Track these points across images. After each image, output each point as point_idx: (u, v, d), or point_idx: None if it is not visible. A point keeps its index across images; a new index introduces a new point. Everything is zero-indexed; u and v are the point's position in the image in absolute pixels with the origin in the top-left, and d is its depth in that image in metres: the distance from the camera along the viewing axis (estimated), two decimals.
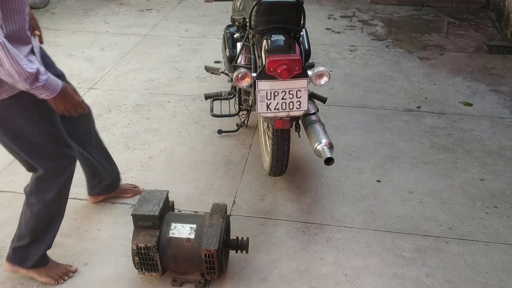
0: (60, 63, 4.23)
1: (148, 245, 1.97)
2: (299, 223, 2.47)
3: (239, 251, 2.15)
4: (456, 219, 2.50)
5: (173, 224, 2.05)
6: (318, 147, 2.26)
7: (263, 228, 2.42)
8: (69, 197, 2.56)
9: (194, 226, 2.05)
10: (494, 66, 4.19)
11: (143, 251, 1.98)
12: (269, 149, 2.55)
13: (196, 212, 2.48)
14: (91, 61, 4.25)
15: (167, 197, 2.11)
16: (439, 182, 2.76)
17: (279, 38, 2.29)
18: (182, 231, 2.03)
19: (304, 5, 2.35)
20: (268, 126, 2.47)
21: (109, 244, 2.32)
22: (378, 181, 2.77)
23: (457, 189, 2.71)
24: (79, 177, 2.76)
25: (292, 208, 2.56)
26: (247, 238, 2.16)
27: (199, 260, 2.00)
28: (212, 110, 2.90)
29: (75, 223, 2.44)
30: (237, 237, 2.15)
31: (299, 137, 2.61)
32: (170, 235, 2.02)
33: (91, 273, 2.17)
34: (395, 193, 2.68)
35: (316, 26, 4.94)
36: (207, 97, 2.97)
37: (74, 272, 2.16)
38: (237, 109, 2.89)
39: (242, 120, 3.07)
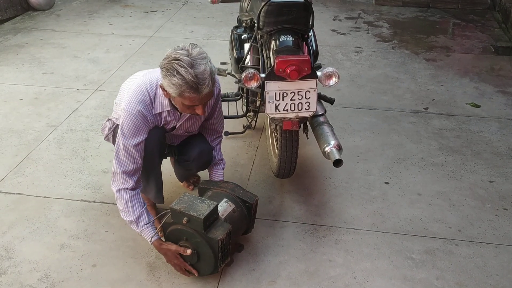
0: (66, 65, 4.28)
1: (227, 232, 2.01)
2: (308, 225, 2.45)
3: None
4: (465, 221, 2.48)
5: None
6: (326, 149, 2.24)
7: (271, 230, 2.41)
8: (76, 199, 2.59)
9: (225, 199, 2.18)
10: (501, 67, 4.17)
11: (224, 243, 2.01)
12: (277, 150, 2.54)
13: None
14: (96, 63, 4.25)
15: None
16: (448, 184, 2.74)
17: (288, 39, 2.27)
18: (224, 208, 2.14)
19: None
20: (276, 127, 2.46)
21: (116, 245, 2.31)
22: (387, 183, 2.76)
23: (466, 191, 2.69)
24: (86, 179, 2.76)
25: (300, 210, 2.54)
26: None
27: (247, 219, 2.21)
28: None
29: (82, 225, 2.43)
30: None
31: (307, 138, 2.60)
32: (221, 216, 2.10)
33: (99, 275, 2.16)
34: (403, 195, 2.66)
35: (322, 28, 4.93)
36: None
37: None
38: (244, 111, 2.88)
39: (250, 121, 3.05)
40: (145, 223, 2.10)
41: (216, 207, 2.02)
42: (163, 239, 2.12)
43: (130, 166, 2.10)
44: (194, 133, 2.39)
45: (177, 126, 2.24)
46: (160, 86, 2.00)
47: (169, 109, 2.13)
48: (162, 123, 2.18)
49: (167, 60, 1.90)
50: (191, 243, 2.02)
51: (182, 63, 1.85)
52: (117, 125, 2.25)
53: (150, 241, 2.09)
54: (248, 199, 2.19)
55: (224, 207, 2.15)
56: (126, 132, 2.07)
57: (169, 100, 2.09)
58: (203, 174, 2.63)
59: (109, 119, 2.40)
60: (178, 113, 2.18)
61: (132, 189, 2.11)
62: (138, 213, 2.09)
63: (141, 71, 2.30)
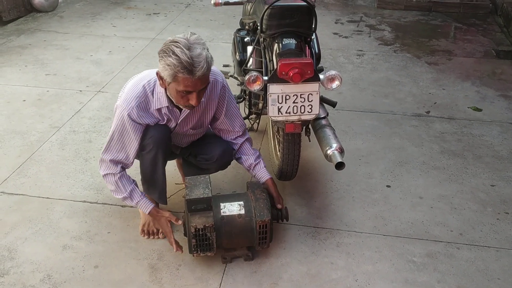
0: (68, 66, 4.30)
1: (207, 225, 2.07)
2: (309, 227, 2.45)
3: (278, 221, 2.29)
4: (466, 224, 2.49)
5: (221, 204, 2.17)
6: (329, 152, 2.25)
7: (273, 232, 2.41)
8: (79, 200, 2.60)
9: (242, 202, 2.18)
10: (502, 71, 4.18)
11: (200, 233, 2.08)
12: (279, 153, 2.54)
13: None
14: (99, 64, 4.26)
15: (211, 181, 2.20)
16: (450, 188, 2.75)
17: (291, 42, 2.28)
18: (232, 209, 2.16)
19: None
20: (278, 129, 2.47)
21: (119, 247, 2.32)
22: (388, 186, 2.76)
23: (468, 195, 2.70)
24: (89, 180, 2.77)
25: (302, 213, 2.55)
26: (286, 207, 2.28)
27: (252, 232, 2.15)
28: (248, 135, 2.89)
29: (85, 225, 2.44)
30: (276, 208, 2.26)
31: (309, 141, 2.60)
32: (222, 214, 2.14)
33: (101, 276, 2.16)
34: (405, 198, 2.66)
35: (324, 31, 4.94)
36: None
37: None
38: (247, 113, 2.89)
39: (252, 123, 3.06)
40: (139, 196, 2.24)
41: (208, 198, 2.09)
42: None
43: (119, 156, 2.19)
44: (201, 133, 2.39)
45: (178, 124, 2.24)
46: (157, 74, 2.01)
47: (167, 104, 2.13)
48: (165, 120, 2.19)
49: (164, 44, 1.95)
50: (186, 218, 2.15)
51: (179, 44, 1.89)
52: None
53: (148, 211, 2.24)
54: (258, 216, 2.13)
55: (234, 207, 2.16)
56: (118, 127, 2.14)
57: (167, 95, 2.10)
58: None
59: None
60: (177, 110, 2.18)
61: (119, 172, 2.22)
62: (129, 189, 2.23)
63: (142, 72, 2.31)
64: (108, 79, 3.98)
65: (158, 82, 2.08)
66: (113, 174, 2.21)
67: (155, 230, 2.37)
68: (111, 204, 2.58)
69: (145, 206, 2.25)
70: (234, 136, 2.39)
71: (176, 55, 1.87)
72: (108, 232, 2.40)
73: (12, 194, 2.66)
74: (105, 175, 2.22)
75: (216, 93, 2.23)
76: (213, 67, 2.11)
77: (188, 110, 2.17)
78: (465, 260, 2.27)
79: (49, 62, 4.30)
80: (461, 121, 3.42)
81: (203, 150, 2.41)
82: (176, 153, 2.48)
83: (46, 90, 3.80)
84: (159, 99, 2.13)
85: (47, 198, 2.63)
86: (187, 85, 1.94)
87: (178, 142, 2.40)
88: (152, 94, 2.12)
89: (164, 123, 2.21)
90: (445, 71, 4.19)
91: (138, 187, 2.28)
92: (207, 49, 1.95)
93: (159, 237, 2.36)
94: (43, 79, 3.98)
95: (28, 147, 3.07)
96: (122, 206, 2.56)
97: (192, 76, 1.90)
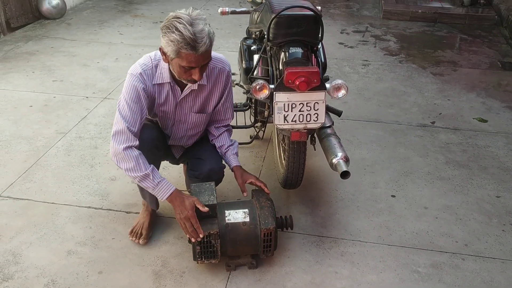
0: (75, 73, 4.33)
1: (211, 232, 2.06)
2: (313, 236, 2.45)
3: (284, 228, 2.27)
4: (472, 235, 2.48)
5: (226, 212, 2.16)
6: (334, 161, 2.25)
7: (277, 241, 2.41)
8: (84, 206, 2.61)
9: (247, 210, 2.18)
10: (508, 82, 4.18)
11: (205, 240, 2.07)
12: (284, 161, 2.55)
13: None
14: (106, 71, 4.29)
15: (216, 188, 2.21)
16: (455, 198, 2.74)
17: (297, 51, 2.30)
18: (236, 216, 2.15)
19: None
20: (284, 138, 2.47)
21: (123, 253, 2.32)
22: (393, 196, 2.76)
23: (473, 206, 2.69)
24: (94, 186, 2.78)
25: (306, 222, 2.55)
26: (290, 215, 2.27)
27: (256, 240, 2.14)
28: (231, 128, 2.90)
29: (89, 231, 2.44)
30: (281, 216, 2.25)
31: (315, 149, 2.61)
32: (226, 221, 2.13)
33: (105, 282, 2.16)
34: (410, 208, 2.66)
35: (329, 41, 4.97)
36: None
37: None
38: (252, 121, 2.90)
39: (257, 131, 3.07)
40: (160, 176, 2.10)
41: (213, 205, 2.09)
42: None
43: (134, 124, 2.09)
44: (201, 125, 2.36)
45: (178, 103, 2.22)
46: (160, 49, 2.02)
47: (169, 81, 2.14)
48: (162, 100, 2.19)
49: (167, 19, 1.95)
50: None
51: (181, 20, 1.90)
52: None
53: (170, 191, 2.08)
54: (262, 224, 2.12)
55: (238, 215, 2.16)
56: (126, 94, 2.11)
57: (170, 71, 2.12)
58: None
59: None
60: (179, 88, 2.19)
61: (138, 148, 2.09)
62: (150, 168, 2.07)
63: None
64: (114, 86, 4.01)
65: (163, 60, 2.09)
66: (134, 147, 2.06)
67: (143, 233, 2.36)
68: (116, 210, 2.58)
69: (166, 188, 2.08)
70: (221, 124, 2.41)
71: (179, 31, 1.88)
72: (112, 238, 2.41)
73: (17, 199, 2.67)
74: (125, 148, 2.04)
75: (222, 80, 2.25)
76: (221, 55, 2.21)
77: (189, 90, 2.18)
78: (470, 271, 2.26)
79: (56, 68, 4.33)
80: (467, 132, 3.42)
81: (193, 166, 2.38)
82: (176, 158, 2.48)
83: (53, 96, 3.83)
84: (162, 75, 2.14)
85: (53, 203, 2.64)
86: (190, 60, 1.95)
87: (178, 140, 2.39)
88: (156, 68, 2.14)
89: (161, 102, 2.19)
90: (450, 82, 4.19)
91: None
92: (209, 24, 1.97)
93: (139, 242, 2.35)
94: (50, 85, 4.01)
95: (34, 153, 3.08)
96: (126, 212, 2.56)
97: (195, 52, 1.91)
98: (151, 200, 2.36)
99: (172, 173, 2.85)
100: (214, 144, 2.41)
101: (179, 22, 1.90)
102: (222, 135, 2.41)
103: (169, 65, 2.10)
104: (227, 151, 2.38)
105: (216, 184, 2.37)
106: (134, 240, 2.37)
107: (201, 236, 2.06)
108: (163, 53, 2.02)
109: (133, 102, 2.09)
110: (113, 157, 2.09)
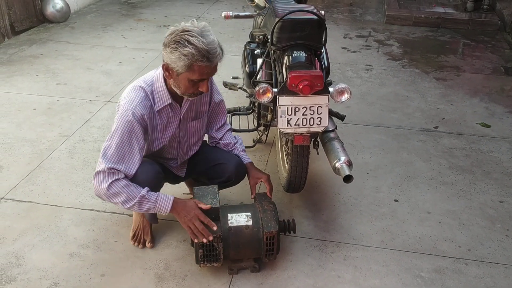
0: (79, 76, 4.34)
1: (214, 235, 2.05)
2: (316, 240, 2.45)
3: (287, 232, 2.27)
4: (475, 240, 2.47)
5: (229, 215, 2.16)
6: (337, 165, 2.25)
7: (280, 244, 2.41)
8: (87, 208, 2.61)
9: (249, 213, 2.17)
10: (511, 88, 4.18)
11: (208, 243, 2.06)
12: (287, 165, 2.55)
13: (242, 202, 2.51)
14: (109, 75, 4.30)
15: (218, 191, 2.21)
16: (458, 203, 2.74)
17: (301, 55, 2.30)
18: (239, 219, 2.15)
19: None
20: (287, 141, 2.47)
21: (125, 255, 2.32)
22: (396, 200, 2.75)
23: (476, 211, 2.68)
24: None
25: (309, 226, 2.54)
26: (293, 219, 2.27)
27: (259, 244, 2.14)
28: (230, 125, 2.91)
29: (92, 234, 2.44)
30: (283, 220, 2.25)
31: (318, 153, 2.61)
32: (229, 224, 2.13)
33: (108, 284, 2.16)
34: (413, 213, 2.65)
35: (332, 45, 4.97)
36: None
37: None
38: (256, 125, 2.90)
39: (260, 135, 3.07)
40: (155, 192, 2.06)
41: (216, 208, 2.09)
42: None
43: (121, 166, 1.99)
44: (201, 135, 2.34)
45: (181, 119, 2.19)
46: (163, 67, 1.97)
47: (170, 102, 2.10)
48: (165, 121, 2.14)
49: (174, 34, 1.90)
50: None
51: (192, 33, 1.87)
52: None
53: (171, 201, 2.04)
54: (265, 227, 2.11)
55: (241, 218, 2.15)
56: (120, 130, 1.99)
57: (168, 90, 2.06)
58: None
59: None
60: (178, 105, 2.15)
61: (124, 177, 2.01)
62: (145, 189, 2.02)
63: None
64: (117, 89, 4.02)
65: (155, 82, 2.04)
66: (119, 179, 1.99)
67: (147, 238, 2.36)
68: (119, 213, 2.58)
69: (165, 200, 2.05)
70: (218, 125, 2.40)
71: (193, 44, 1.86)
72: (115, 240, 2.41)
73: (21, 201, 2.68)
74: (110, 183, 1.97)
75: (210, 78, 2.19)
76: None
77: (188, 103, 2.15)
78: (473, 276, 2.25)
79: (60, 72, 4.35)
80: (470, 137, 3.41)
81: (214, 171, 2.34)
82: (182, 176, 2.43)
83: (57, 99, 3.84)
84: (161, 98, 2.08)
85: (55, 206, 2.64)
86: (203, 73, 1.93)
87: (184, 156, 2.35)
88: (152, 94, 2.07)
89: (165, 123, 2.15)
90: (453, 87, 4.19)
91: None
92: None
93: (144, 247, 2.35)
94: (54, 88, 4.03)
95: (38, 155, 3.09)
96: (129, 215, 2.56)
97: (210, 63, 1.90)
98: (151, 217, 2.33)
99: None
100: (219, 146, 2.41)
101: (190, 36, 1.87)
102: (225, 136, 2.41)
103: (165, 83, 2.04)
104: (233, 149, 2.38)
105: (240, 181, 2.39)
106: (139, 246, 2.35)
107: (214, 228, 2.05)
108: (168, 70, 1.97)
109: (127, 139, 2.00)
110: (103, 196, 2.01)
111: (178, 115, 2.18)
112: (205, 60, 1.88)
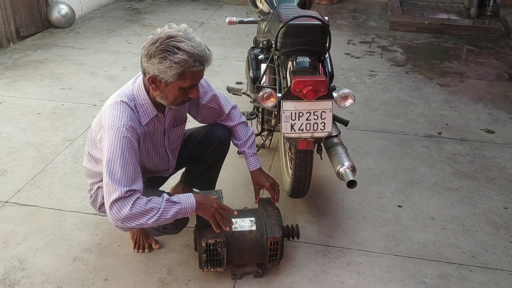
0: (83, 81, 4.36)
1: (218, 240, 2.05)
2: (319, 245, 2.44)
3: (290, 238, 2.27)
4: (479, 247, 2.46)
5: (233, 220, 2.13)
6: (340, 170, 2.25)
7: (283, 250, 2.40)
8: (90, 212, 2.61)
9: (253, 218, 2.17)
10: None
11: (211, 248, 2.07)
12: (290, 170, 2.55)
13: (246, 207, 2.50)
14: (113, 80, 4.32)
15: (222, 196, 2.21)
16: (462, 209, 2.73)
17: (305, 60, 2.31)
18: (243, 224, 2.15)
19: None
20: (290, 146, 2.47)
21: (129, 260, 2.32)
22: (399, 206, 2.75)
23: (480, 217, 2.67)
24: None
25: (312, 231, 2.54)
26: (297, 225, 2.27)
27: (262, 249, 2.13)
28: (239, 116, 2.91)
29: (96, 238, 2.45)
30: (287, 225, 2.25)
31: (321, 159, 2.61)
32: (233, 229, 2.11)
33: None
34: (416, 219, 2.65)
35: (336, 51, 4.98)
36: None
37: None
38: (259, 130, 2.90)
39: (264, 140, 3.07)
40: (175, 195, 1.94)
41: None
42: None
43: (133, 180, 1.87)
44: (182, 132, 2.26)
45: (166, 128, 2.11)
46: (149, 79, 1.84)
47: (156, 113, 2.00)
48: (152, 133, 2.06)
49: (158, 42, 1.77)
50: None
51: (179, 38, 1.76)
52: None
53: (193, 197, 1.94)
54: (269, 233, 2.11)
55: (245, 223, 2.15)
56: (119, 152, 1.85)
57: (152, 102, 1.96)
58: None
59: (94, 183, 2.20)
60: (162, 114, 2.05)
61: (140, 191, 1.89)
62: (164, 195, 1.90)
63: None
64: None
65: (137, 95, 1.94)
66: (139, 197, 1.84)
67: (150, 242, 2.36)
68: None
69: (187, 197, 1.93)
70: (223, 117, 2.33)
71: (184, 50, 1.76)
72: (118, 245, 2.41)
73: (25, 205, 2.68)
74: (133, 205, 1.81)
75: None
76: None
77: (171, 112, 2.07)
78: (477, 282, 2.24)
79: (65, 76, 4.37)
80: (473, 142, 3.41)
81: (206, 144, 2.30)
82: (174, 171, 2.38)
83: (61, 103, 3.86)
84: (146, 111, 1.97)
85: (59, 210, 2.65)
86: (195, 78, 1.84)
87: (173, 161, 2.29)
88: (136, 108, 1.95)
89: (153, 138, 2.08)
90: (457, 93, 4.19)
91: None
92: None
93: (149, 251, 2.35)
94: (58, 93, 4.04)
95: (42, 159, 3.10)
96: None
97: (203, 66, 1.83)
98: (174, 228, 2.17)
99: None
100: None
101: (178, 41, 1.76)
102: (236, 127, 2.34)
103: (148, 94, 1.94)
104: (243, 151, 2.35)
105: (229, 140, 2.36)
106: (146, 251, 2.35)
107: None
108: (155, 82, 1.85)
109: (130, 156, 1.87)
110: (123, 223, 1.83)
111: (162, 125, 2.10)
112: (199, 64, 1.80)
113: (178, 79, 1.82)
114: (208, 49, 1.87)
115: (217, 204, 2.03)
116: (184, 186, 2.57)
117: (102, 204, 2.15)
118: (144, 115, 1.98)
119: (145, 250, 2.35)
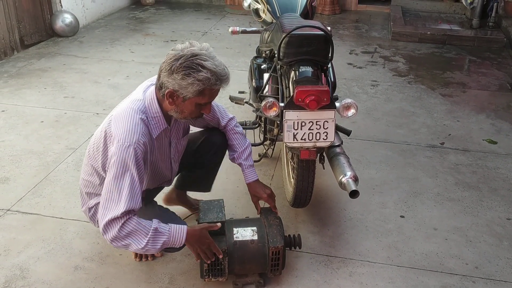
0: (86, 90, 4.37)
1: (220, 250, 2.04)
2: (322, 256, 2.43)
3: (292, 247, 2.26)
4: (482, 258, 2.44)
5: (235, 229, 2.15)
6: (343, 180, 2.25)
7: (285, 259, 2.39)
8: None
9: (255, 228, 2.17)
10: None
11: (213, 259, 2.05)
12: (292, 180, 2.54)
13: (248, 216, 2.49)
14: (116, 88, 4.34)
15: (224, 205, 2.21)
16: (465, 220, 2.71)
17: (307, 70, 2.31)
18: (245, 234, 2.15)
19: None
20: (293, 156, 2.47)
21: (130, 269, 2.31)
22: (402, 216, 2.74)
23: (483, 228, 2.66)
24: None
25: (314, 241, 2.53)
26: (299, 234, 2.26)
27: (264, 259, 2.12)
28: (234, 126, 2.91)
29: (97, 247, 2.44)
30: (289, 235, 2.24)
31: (324, 168, 2.60)
32: (235, 239, 2.12)
33: None
34: (419, 229, 2.63)
35: (338, 61, 5.00)
36: None
37: None
38: (262, 139, 2.91)
39: (266, 150, 3.07)
40: (163, 224, 1.92)
41: (221, 222, 2.09)
42: None
43: (132, 204, 1.85)
44: (186, 141, 2.28)
45: (171, 139, 2.13)
46: (167, 94, 1.86)
47: (165, 126, 2.02)
48: (161, 145, 2.08)
49: (182, 58, 1.81)
50: None
51: (203, 57, 1.82)
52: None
53: (184, 232, 1.92)
54: (271, 242, 2.10)
55: (247, 233, 2.15)
56: (129, 173, 1.85)
57: (163, 116, 1.98)
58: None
59: (89, 194, 2.19)
60: (168, 126, 2.06)
61: (135, 214, 1.89)
62: (155, 221, 1.90)
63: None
64: None
65: (149, 108, 1.95)
66: (130, 217, 1.84)
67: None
68: None
69: (179, 229, 1.92)
70: (224, 123, 2.34)
71: (208, 69, 1.82)
72: (119, 254, 2.40)
73: (26, 213, 2.68)
74: (122, 225, 1.82)
75: None
76: None
77: (176, 123, 2.10)
78: None
79: (68, 85, 4.39)
80: (476, 153, 3.40)
81: (206, 147, 2.32)
82: (173, 179, 2.38)
83: (64, 112, 3.87)
84: (157, 124, 1.99)
85: (61, 218, 2.64)
86: (212, 96, 1.91)
87: (176, 172, 2.30)
88: (147, 121, 1.95)
89: (160, 147, 2.08)
90: (459, 103, 4.19)
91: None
92: None
93: (151, 259, 2.35)
94: (61, 101, 4.06)
95: (44, 167, 3.11)
96: None
97: (224, 84, 1.89)
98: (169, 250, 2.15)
99: None
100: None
101: (202, 60, 1.82)
102: (231, 141, 2.35)
103: (160, 107, 1.95)
104: (240, 163, 2.35)
105: (224, 144, 2.37)
106: (149, 259, 2.35)
107: (220, 257, 2.04)
108: (172, 97, 1.87)
109: (136, 174, 1.86)
110: (116, 241, 1.85)
111: (168, 137, 2.11)
112: (220, 82, 1.87)
113: (197, 95, 1.86)
114: (226, 68, 1.92)
115: (208, 244, 2.00)
116: (179, 191, 2.58)
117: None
118: (155, 128, 1.99)
119: (148, 259, 2.34)
